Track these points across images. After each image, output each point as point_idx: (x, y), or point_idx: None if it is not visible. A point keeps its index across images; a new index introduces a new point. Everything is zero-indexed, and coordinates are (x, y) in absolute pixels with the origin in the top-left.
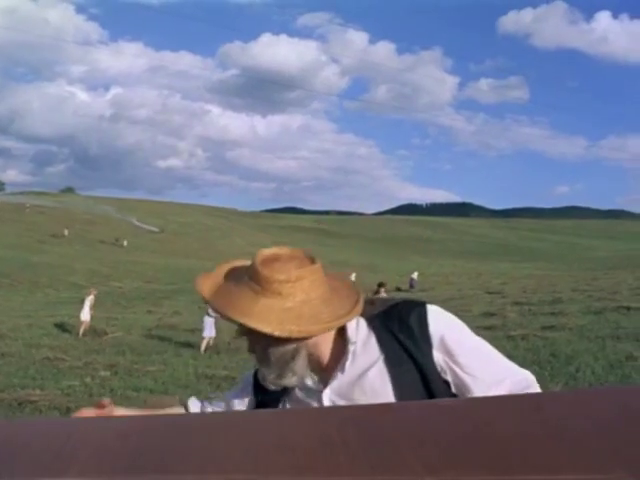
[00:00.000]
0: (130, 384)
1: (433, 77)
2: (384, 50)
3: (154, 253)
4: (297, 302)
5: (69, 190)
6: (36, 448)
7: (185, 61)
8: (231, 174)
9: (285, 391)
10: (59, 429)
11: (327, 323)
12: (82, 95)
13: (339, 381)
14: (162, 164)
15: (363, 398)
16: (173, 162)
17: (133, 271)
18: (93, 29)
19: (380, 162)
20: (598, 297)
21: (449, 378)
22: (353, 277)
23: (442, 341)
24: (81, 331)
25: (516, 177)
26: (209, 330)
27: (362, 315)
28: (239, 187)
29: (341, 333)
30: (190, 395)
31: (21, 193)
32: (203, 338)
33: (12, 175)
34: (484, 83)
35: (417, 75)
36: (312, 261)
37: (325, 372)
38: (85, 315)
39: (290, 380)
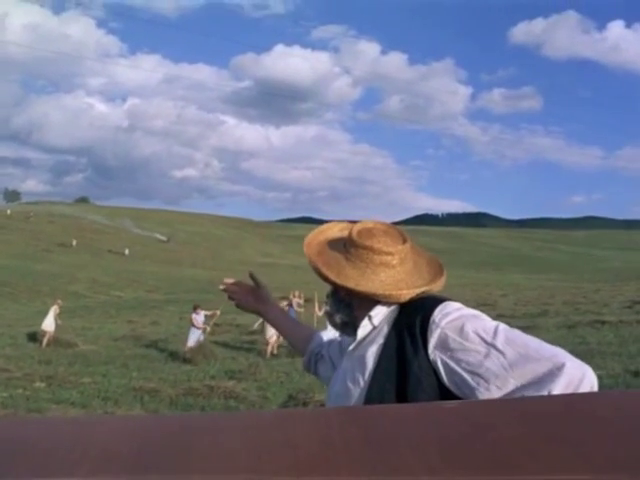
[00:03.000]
0: (56, 396)
1: (445, 87)
2: (396, 61)
3: (160, 263)
4: (384, 271)
5: (83, 200)
6: (45, 447)
7: (201, 73)
8: (247, 184)
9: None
10: (68, 428)
11: (405, 290)
12: (100, 107)
13: (353, 350)
14: (178, 174)
15: (356, 375)
16: (189, 172)
17: (136, 280)
18: (113, 42)
19: (395, 172)
20: (584, 310)
21: (445, 377)
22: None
23: (440, 338)
24: (44, 342)
25: (532, 187)
26: (192, 340)
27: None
28: (255, 197)
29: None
30: (110, 407)
31: (35, 203)
32: (190, 347)
33: (31, 185)
34: (497, 93)
35: (429, 85)
36: (404, 240)
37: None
38: (48, 325)
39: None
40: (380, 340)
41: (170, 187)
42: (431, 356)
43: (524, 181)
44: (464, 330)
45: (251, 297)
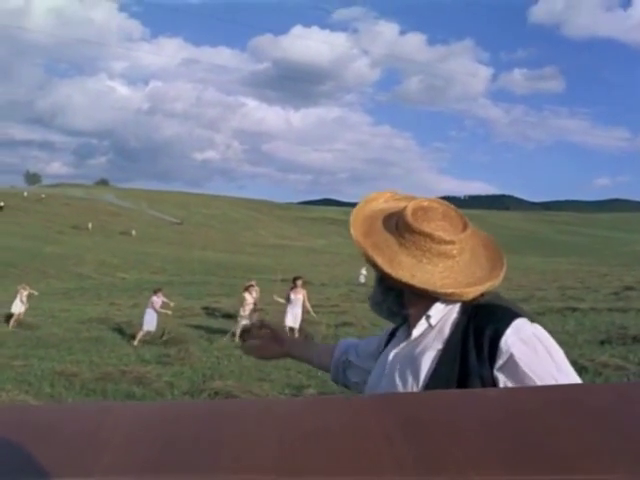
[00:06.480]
0: None
1: (465, 68)
2: (415, 41)
3: (171, 245)
4: (442, 262)
5: (103, 182)
6: (68, 433)
7: (222, 56)
8: (268, 166)
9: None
10: (92, 414)
11: (468, 288)
12: (122, 90)
13: (405, 348)
14: (199, 156)
15: (407, 375)
16: (210, 154)
17: (143, 262)
18: (134, 26)
19: (416, 154)
20: (569, 296)
21: None
22: (364, 270)
23: (508, 361)
24: (11, 323)
25: (556, 169)
26: (149, 324)
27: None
28: (276, 179)
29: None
30: (19, 391)
31: (55, 185)
32: (143, 331)
33: (55, 167)
34: (518, 74)
35: (449, 66)
36: (464, 226)
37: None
38: (16, 308)
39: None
40: (439, 343)
41: (191, 169)
42: (496, 374)
43: (548, 163)
44: (538, 364)
45: (275, 344)
